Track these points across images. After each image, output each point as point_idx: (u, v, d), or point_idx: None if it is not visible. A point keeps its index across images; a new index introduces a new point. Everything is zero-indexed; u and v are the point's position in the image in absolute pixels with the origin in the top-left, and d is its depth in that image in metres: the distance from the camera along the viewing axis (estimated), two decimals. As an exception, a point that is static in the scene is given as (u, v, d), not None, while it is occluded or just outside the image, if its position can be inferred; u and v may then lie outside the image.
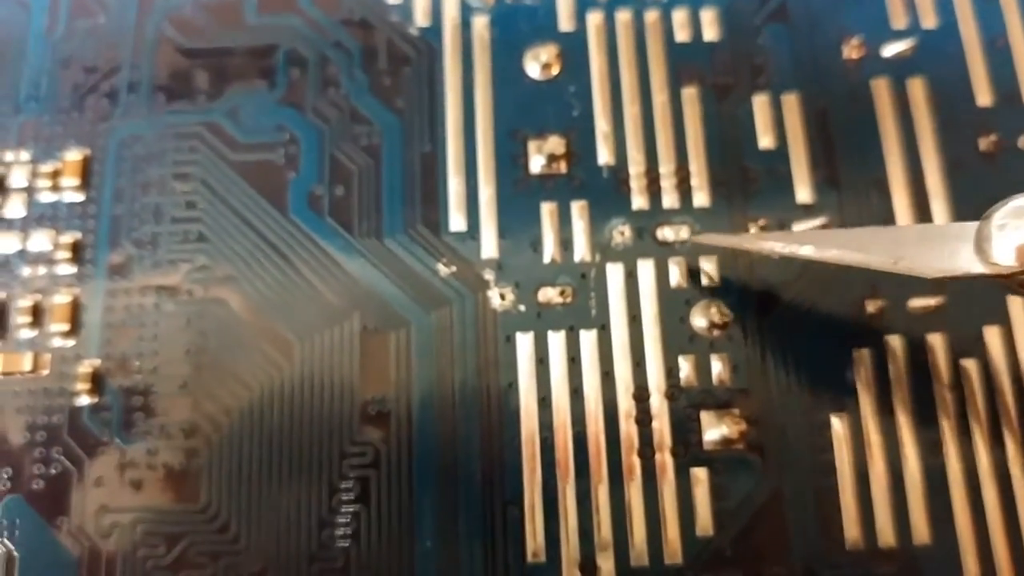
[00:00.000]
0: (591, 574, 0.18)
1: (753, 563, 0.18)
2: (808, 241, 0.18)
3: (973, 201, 0.20)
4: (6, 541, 0.18)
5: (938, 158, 0.20)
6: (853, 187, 0.20)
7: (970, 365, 0.19)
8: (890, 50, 0.21)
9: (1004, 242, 0.15)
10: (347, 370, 0.19)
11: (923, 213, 0.20)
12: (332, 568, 0.18)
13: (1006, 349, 0.19)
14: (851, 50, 0.21)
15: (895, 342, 0.19)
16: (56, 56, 0.21)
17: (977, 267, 0.15)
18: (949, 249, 0.16)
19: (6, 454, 0.19)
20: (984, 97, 0.20)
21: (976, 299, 0.19)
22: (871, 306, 0.19)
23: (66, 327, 0.20)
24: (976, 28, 0.21)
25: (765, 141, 0.20)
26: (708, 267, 0.19)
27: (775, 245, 0.18)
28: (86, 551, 0.18)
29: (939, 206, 0.20)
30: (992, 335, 0.19)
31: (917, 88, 0.21)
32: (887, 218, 0.20)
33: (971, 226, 0.16)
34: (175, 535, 0.18)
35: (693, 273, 0.19)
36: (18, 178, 0.21)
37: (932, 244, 0.16)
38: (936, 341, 0.19)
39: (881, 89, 0.21)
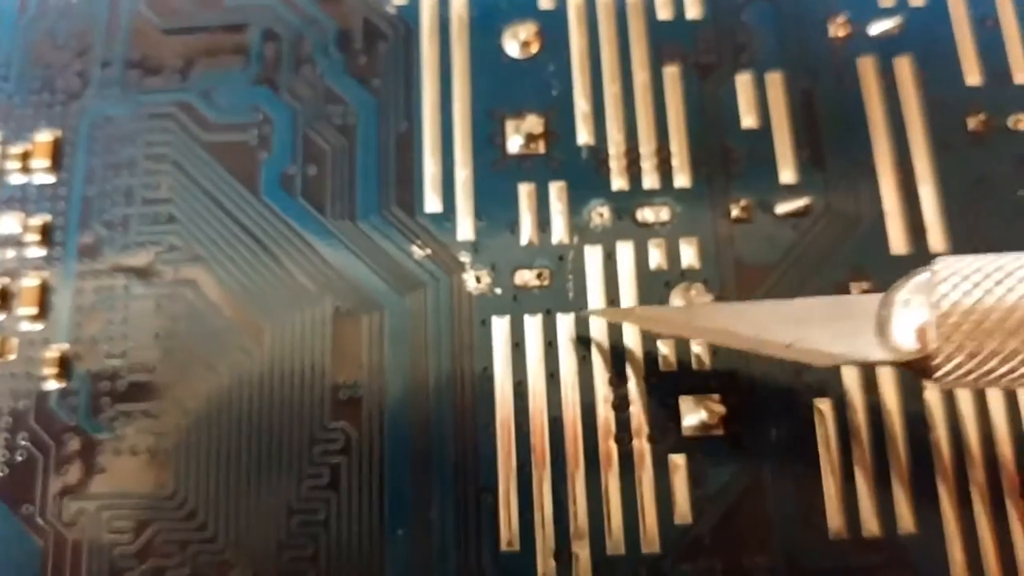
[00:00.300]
0: (567, 563, 0.17)
1: (733, 552, 0.17)
2: (700, 318, 0.16)
3: (961, 182, 0.19)
4: (-30, 529, 0.18)
5: (925, 138, 0.19)
6: (838, 168, 0.19)
7: (958, 349, 0.18)
8: (877, 28, 0.20)
9: (905, 321, 0.13)
10: (318, 354, 0.18)
11: (910, 193, 0.19)
12: (301, 556, 0.17)
13: (995, 333, 0.18)
14: (837, 28, 0.20)
15: (881, 326, 0.18)
16: (27, 36, 0.21)
17: (876, 352, 0.14)
18: (850, 328, 0.14)
19: (-29, 440, 0.18)
20: (973, 76, 0.20)
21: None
22: (856, 288, 0.18)
23: (34, 311, 0.19)
24: (965, 6, 0.20)
25: (748, 121, 0.20)
26: (688, 250, 0.19)
27: (667, 322, 0.17)
28: (51, 538, 0.18)
29: (926, 187, 0.19)
30: (980, 319, 0.18)
31: (904, 67, 0.20)
32: (873, 199, 0.19)
33: (874, 300, 0.14)
34: (142, 522, 0.18)
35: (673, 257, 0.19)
36: (-13, 160, 0.20)
37: (833, 322, 0.14)
38: (923, 325, 0.18)
39: (867, 68, 0.20)
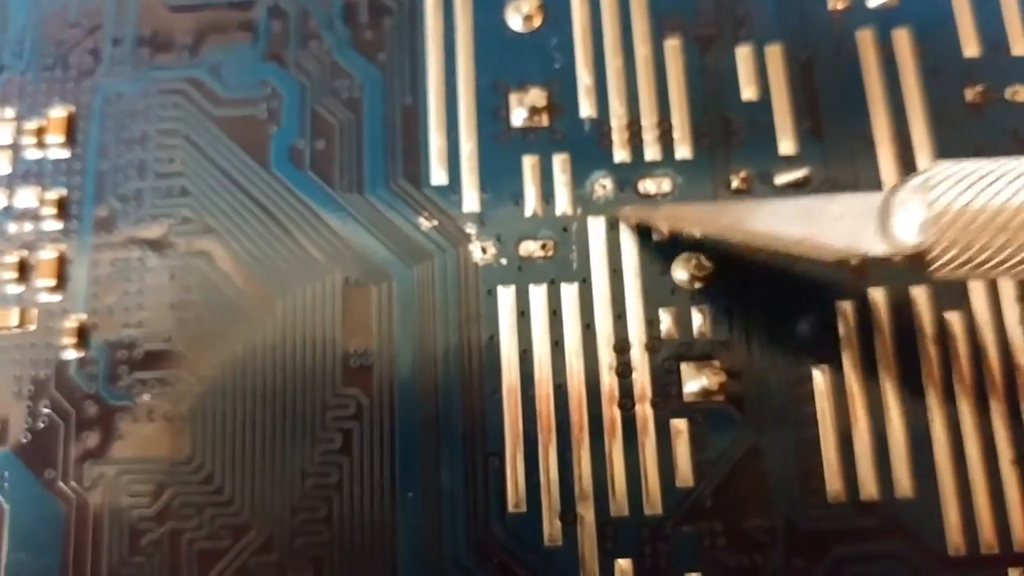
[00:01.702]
0: (572, 524, 0.16)
1: (733, 515, 0.16)
2: (723, 215, 0.16)
3: (959, 153, 0.18)
4: (-5, 493, 0.17)
5: (923, 109, 0.18)
6: (837, 139, 0.18)
7: (954, 318, 0.17)
8: (875, 0, 0.19)
9: (907, 218, 0.14)
10: (329, 323, 0.17)
11: (908, 165, 0.18)
12: (315, 519, 0.17)
13: (990, 302, 0.17)
14: (836, 0, 0.19)
15: (878, 295, 0.17)
16: (39, 13, 0.20)
17: (879, 247, 0.14)
18: (855, 225, 0.14)
19: (-6, 408, 0.17)
20: (971, 47, 0.19)
21: (960, 251, 0.17)
22: (854, 258, 0.17)
23: (52, 282, 0.18)
24: (963, -23, 0.19)
25: (748, 93, 0.18)
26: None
27: (690, 219, 0.17)
28: (73, 502, 0.17)
29: (924, 158, 0.18)
30: (976, 288, 0.17)
31: (903, 39, 0.19)
32: (871, 170, 0.18)
33: (877, 198, 0.14)
34: (160, 486, 0.17)
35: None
36: (3, 135, 0.19)
37: (838, 219, 0.15)
38: (920, 294, 0.17)
39: (866, 40, 0.19)
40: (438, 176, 0.18)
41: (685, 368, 0.17)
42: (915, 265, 0.14)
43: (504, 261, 0.18)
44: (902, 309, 0.17)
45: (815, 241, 0.15)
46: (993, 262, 0.13)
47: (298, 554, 0.16)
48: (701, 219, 0.17)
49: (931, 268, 0.14)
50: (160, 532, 0.17)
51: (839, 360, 0.17)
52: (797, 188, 0.18)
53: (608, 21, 0.19)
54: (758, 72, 0.18)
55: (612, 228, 0.18)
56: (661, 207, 0.18)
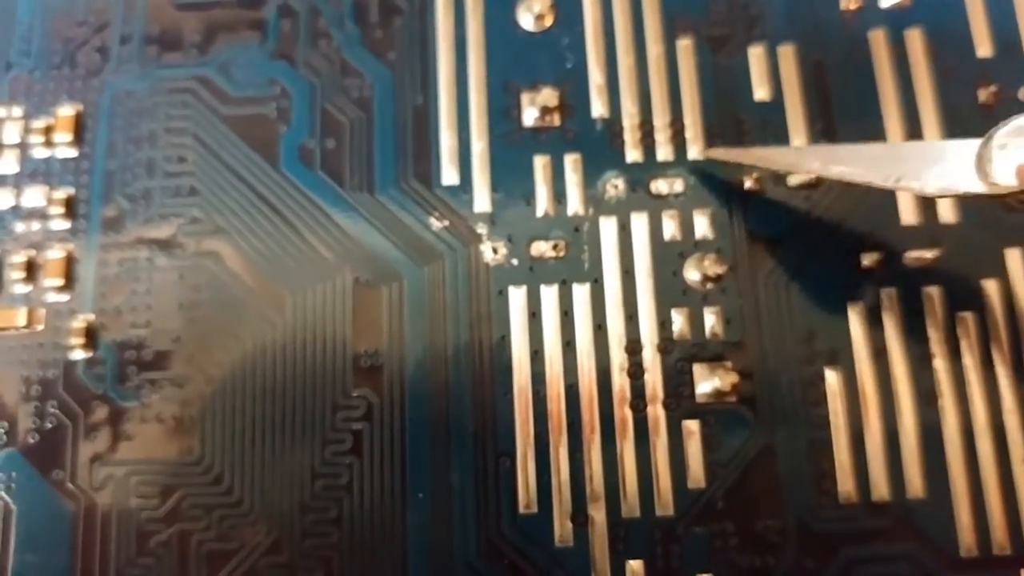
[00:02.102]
0: (583, 525, 0.17)
1: (745, 516, 0.16)
2: (812, 157, 0.17)
3: (970, 153, 0.18)
4: (3, 494, 0.17)
5: (936, 110, 0.18)
6: (849, 139, 0.18)
7: (967, 318, 0.17)
8: (888, 1, 0.19)
9: (1005, 162, 0.14)
10: (339, 323, 0.18)
11: (920, 165, 0.18)
12: (325, 519, 0.17)
13: (1003, 302, 0.17)
14: (848, 1, 0.19)
15: (891, 295, 0.17)
16: (47, 11, 0.20)
17: (977, 186, 0.15)
18: (949, 167, 0.15)
19: (1, 408, 0.17)
20: (984, 48, 0.19)
21: (973, 252, 0.17)
22: (867, 259, 0.17)
23: (60, 282, 0.18)
24: (976, -23, 0.19)
25: (760, 93, 0.19)
26: (702, 220, 0.18)
27: (780, 161, 0.17)
28: (81, 503, 0.17)
29: (936, 158, 0.18)
30: (990, 288, 0.17)
31: (915, 39, 0.19)
32: (883, 170, 0.18)
33: (972, 144, 0.15)
34: (169, 487, 0.17)
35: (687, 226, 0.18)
36: (10, 134, 0.19)
37: (933, 162, 0.15)
38: (933, 294, 0.17)
39: (879, 40, 0.19)
40: (449, 176, 0.18)
41: (697, 369, 0.17)
42: (1013, 206, 0.15)
43: (515, 261, 0.18)
44: (915, 309, 0.17)
45: (908, 183, 0.15)
46: None
47: (308, 555, 0.17)
48: (791, 160, 0.17)
49: None
50: (169, 533, 0.17)
51: (851, 361, 0.17)
52: (810, 189, 0.18)
53: (620, 20, 0.19)
54: (771, 72, 0.19)
55: (623, 229, 0.18)
56: (751, 149, 0.18)
